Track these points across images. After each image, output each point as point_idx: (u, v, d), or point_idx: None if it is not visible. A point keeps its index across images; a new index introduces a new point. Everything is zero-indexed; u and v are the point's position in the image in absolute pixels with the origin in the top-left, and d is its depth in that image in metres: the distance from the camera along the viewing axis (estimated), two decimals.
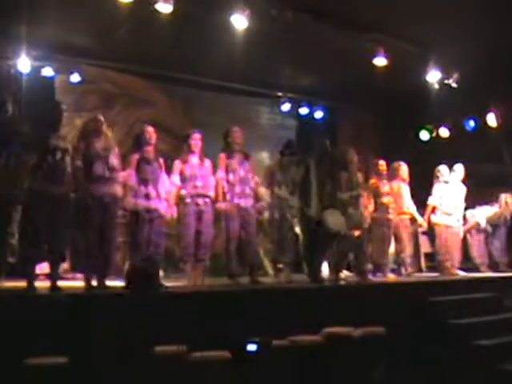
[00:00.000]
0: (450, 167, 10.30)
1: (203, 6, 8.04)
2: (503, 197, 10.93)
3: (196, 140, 7.65)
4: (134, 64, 10.47)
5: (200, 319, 5.64)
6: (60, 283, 6.26)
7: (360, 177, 8.74)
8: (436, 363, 6.46)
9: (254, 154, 11.03)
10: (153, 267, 6.42)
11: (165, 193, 7.21)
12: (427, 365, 6.39)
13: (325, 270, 9.20)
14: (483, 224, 10.91)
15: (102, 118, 6.85)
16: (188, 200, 7.43)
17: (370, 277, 8.81)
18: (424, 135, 12.55)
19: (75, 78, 10.29)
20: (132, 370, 4.83)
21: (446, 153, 11.27)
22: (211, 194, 7.56)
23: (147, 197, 7.01)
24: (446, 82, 10.39)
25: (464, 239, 10.64)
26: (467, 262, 10.70)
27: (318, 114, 12.96)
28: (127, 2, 7.63)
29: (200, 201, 7.46)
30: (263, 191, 8.04)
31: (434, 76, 10.20)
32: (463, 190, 10.25)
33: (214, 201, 7.60)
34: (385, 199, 9.48)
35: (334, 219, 7.95)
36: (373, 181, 9.52)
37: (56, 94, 10.40)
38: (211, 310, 5.86)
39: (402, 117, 11.99)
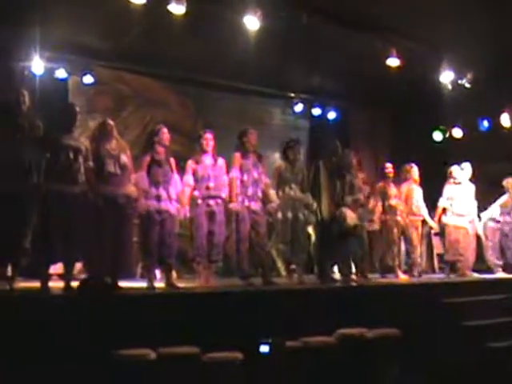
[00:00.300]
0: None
1: (216, 6, 8.06)
2: (505, 182, 10.79)
3: (208, 140, 7.61)
4: (146, 65, 10.49)
5: (212, 320, 5.64)
6: (73, 283, 6.27)
7: (361, 180, 8.91)
8: (450, 365, 6.42)
9: (266, 154, 11.04)
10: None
11: (176, 194, 7.18)
12: (441, 367, 6.36)
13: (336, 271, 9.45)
14: (498, 216, 10.78)
15: (111, 122, 6.92)
16: (200, 201, 7.44)
17: (379, 278, 8.85)
18: (437, 136, 12.49)
19: (88, 79, 10.31)
20: (145, 371, 4.83)
21: (460, 153, 11.22)
22: (223, 195, 7.54)
23: (158, 198, 6.97)
24: (459, 82, 10.34)
25: (478, 240, 10.58)
26: (482, 264, 10.65)
27: (331, 115, 12.93)
28: (140, 3, 7.64)
29: (212, 202, 7.44)
30: (272, 192, 8.02)
31: (447, 76, 10.16)
32: (472, 188, 10.20)
33: (227, 201, 7.59)
34: (393, 201, 9.62)
35: (349, 215, 8.11)
36: (380, 184, 9.73)
37: (69, 95, 10.44)
38: (224, 310, 5.85)
39: (415, 118, 11.95)
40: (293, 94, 12.66)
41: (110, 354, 4.75)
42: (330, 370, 5.49)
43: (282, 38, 8.96)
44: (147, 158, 7.07)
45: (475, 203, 10.25)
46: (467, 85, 10.38)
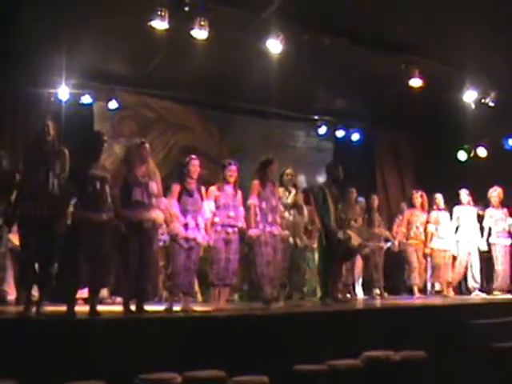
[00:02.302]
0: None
1: (238, 31, 8.12)
2: None
3: (232, 171, 7.70)
4: (170, 90, 10.58)
5: (237, 344, 5.63)
6: (99, 307, 6.32)
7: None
8: None
9: None
10: None
11: (204, 222, 7.34)
12: None
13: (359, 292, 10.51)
14: None
15: (147, 145, 6.88)
16: (219, 228, 7.52)
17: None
18: (462, 155, 12.43)
19: (113, 104, 10.44)
20: None
21: (485, 173, 11.19)
22: (240, 224, 7.64)
23: (186, 226, 7.11)
24: (483, 101, 10.30)
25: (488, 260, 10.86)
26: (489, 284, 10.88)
27: (355, 137, 12.92)
28: (163, 28, 7.73)
29: (230, 230, 7.54)
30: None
31: (470, 96, 10.14)
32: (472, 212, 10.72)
33: (245, 228, 7.68)
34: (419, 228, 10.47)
35: (354, 236, 8.39)
36: (408, 212, 10.59)
37: (94, 120, 10.57)
38: (248, 334, 5.84)
39: (439, 137, 11.91)
40: (316, 117, 12.68)
41: (135, 378, 4.74)
42: None
43: (305, 61, 9.01)
44: (178, 187, 7.21)
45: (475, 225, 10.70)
46: (491, 103, 10.31)
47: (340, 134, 12.87)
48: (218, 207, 7.57)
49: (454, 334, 6.83)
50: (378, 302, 9.41)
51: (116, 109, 10.56)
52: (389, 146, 13.07)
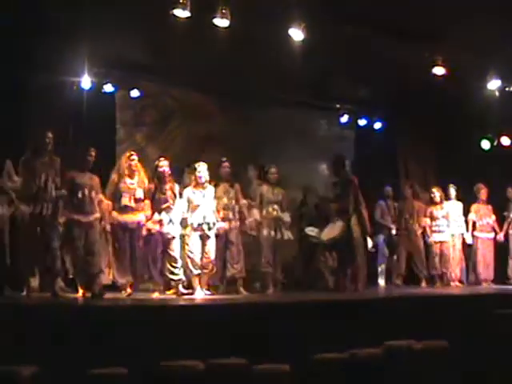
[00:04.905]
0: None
1: (260, 19, 8.09)
2: None
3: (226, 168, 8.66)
4: (191, 78, 10.55)
5: (259, 332, 5.64)
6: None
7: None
8: (501, 378, 6.30)
9: (313, 165, 11.07)
10: None
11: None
12: (492, 379, 6.24)
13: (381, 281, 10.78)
14: None
15: (135, 157, 8.05)
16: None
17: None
18: (485, 144, 12.32)
19: (135, 93, 10.45)
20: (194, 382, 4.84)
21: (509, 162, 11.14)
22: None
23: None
24: (507, 89, 10.19)
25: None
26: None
27: (377, 125, 12.85)
28: (185, 17, 7.72)
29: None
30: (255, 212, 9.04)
31: (494, 84, 10.03)
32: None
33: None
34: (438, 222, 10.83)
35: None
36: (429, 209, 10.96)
37: (116, 109, 10.61)
38: (269, 322, 5.85)
39: (463, 126, 11.80)
40: (338, 105, 12.62)
41: (157, 366, 4.77)
42: (377, 383, 5.43)
43: (327, 50, 8.96)
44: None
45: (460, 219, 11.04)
46: None
47: (362, 122, 12.80)
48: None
49: (478, 323, 6.80)
50: (399, 291, 9.40)
51: (138, 97, 10.57)
52: (411, 134, 12.95)
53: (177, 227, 7.99)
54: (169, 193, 8.01)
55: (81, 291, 7.62)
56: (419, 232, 10.86)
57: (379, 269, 10.92)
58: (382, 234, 11.04)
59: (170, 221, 7.93)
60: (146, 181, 8.07)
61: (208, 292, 8.17)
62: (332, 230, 8.85)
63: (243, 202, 8.83)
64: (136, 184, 7.91)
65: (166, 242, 7.94)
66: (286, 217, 9.13)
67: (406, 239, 10.83)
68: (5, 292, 7.41)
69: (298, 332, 5.80)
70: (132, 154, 8.08)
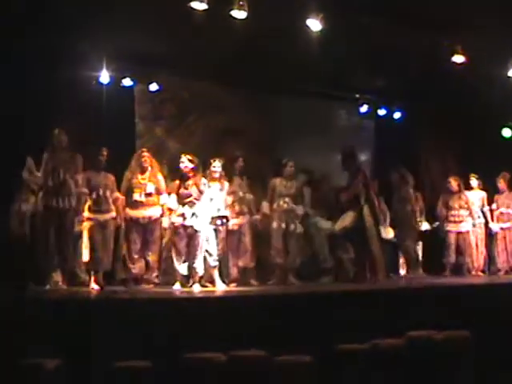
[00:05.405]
0: None
1: (278, 10, 8.07)
2: None
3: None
4: (209, 71, 10.54)
5: (281, 323, 5.65)
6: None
7: None
8: None
9: (332, 156, 11.03)
10: None
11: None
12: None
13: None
14: None
15: (146, 153, 8.43)
16: None
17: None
18: (506, 132, 12.23)
19: (153, 87, 10.48)
20: (215, 374, 4.86)
21: None
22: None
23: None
24: None
25: None
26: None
27: (397, 115, 12.78)
28: (202, 9, 7.72)
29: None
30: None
31: None
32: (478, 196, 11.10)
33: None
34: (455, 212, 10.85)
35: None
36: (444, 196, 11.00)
37: (135, 103, 10.64)
38: (292, 313, 5.86)
39: (482, 114, 11.72)
40: (358, 96, 12.56)
41: (180, 358, 4.79)
42: (399, 373, 5.43)
43: (345, 40, 8.93)
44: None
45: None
46: None
47: (382, 112, 12.73)
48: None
49: (500, 312, 6.76)
50: (422, 282, 9.37)
51: (157, 91, 10.59)
52: (431, 123, 12.88)
53: (201, 221, 8.07)
54: (193, 188, 8.09)
55: (93, 285, 7.89)
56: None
57: (400, 259, 10.87)
58: None
59: (193, 214, 8.00)
60: (160, 175, 8.41)
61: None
62: (343, 221, 8.87)
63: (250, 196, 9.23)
64: (147, 179, 8.23)
65: (189, 235, 8.01)
66: (299, 209, 9.24)
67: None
68: (29, 287, 7.47)
69: (319, 323, 5.80)
70: (143, 151, 8.47)
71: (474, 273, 10.70)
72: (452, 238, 10.78)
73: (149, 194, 8.19)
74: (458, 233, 10.77)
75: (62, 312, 5.41)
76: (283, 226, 9.05)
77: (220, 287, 8.10)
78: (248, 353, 4.98)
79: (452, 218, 10.82)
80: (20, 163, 7.89)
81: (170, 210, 8.20)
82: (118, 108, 9.95)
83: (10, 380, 4.21)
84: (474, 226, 10.84)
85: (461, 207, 10.78)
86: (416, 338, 5.69)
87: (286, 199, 9.12)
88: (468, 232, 10.82)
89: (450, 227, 10.82)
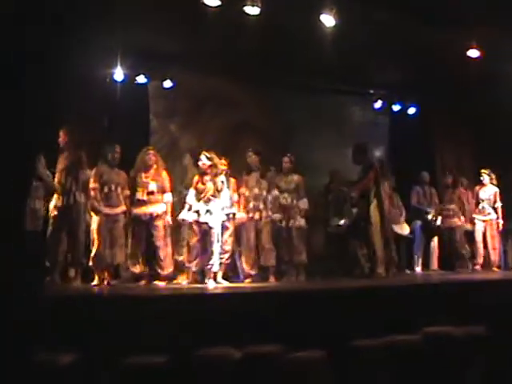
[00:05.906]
0: None
1: (291, 6, 8.05)
2: None
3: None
4: (223, 67, 10.53)
5: (296, 319, 5.63)
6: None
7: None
8: None
9: (346, 152, 11.01)
10: None
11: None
12: None
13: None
14: None
15: (151, 151, 8.49)
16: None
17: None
18: None
19: (167, 83, 10.49)
20: (229, 370, 4.85)
21: None
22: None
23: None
24: None
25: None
26: None
27: (411, 110, 12.72)
28: (215, 5, 7.72)
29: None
30: None
31: None
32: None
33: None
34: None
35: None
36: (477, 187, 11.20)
37: (149, 100, 10.65)
38: (307, 309, 5.84)
39: (499, 109, 11.64)
40: (372, 91, 12.52)
41: (194, 353, 4.79)
42: (415, 369, 5.40)
43: (359, 35, 8.89)
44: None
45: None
46: None
47: (396, 108, 12.70)
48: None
49: None
50: (438, 277, 9.35)
51: (171, 88, 10.60)
52: (446, 119, 12.81)
53: (217, 218, 8.08)
54: (209, 184, 8.14)
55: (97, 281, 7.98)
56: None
57: (415, 255, 10.84)
58: (419, 219, 10.97)
59: (208, 211, 8.03)
60: (165, 174, 8.47)
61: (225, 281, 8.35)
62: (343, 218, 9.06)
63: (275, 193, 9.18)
64: (150, 178, 8.29)
65: (203, 232, 8.04)
66: (303, 204, 9.27)
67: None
68: (42, 283, 7.52)
69: (335, 319, 5.78)
70: (149, 149, 8.56)
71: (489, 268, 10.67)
72: (480, 232, 10.92)
73: (151, 193, 8.26)
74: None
75: (74, 307, 5.43)
76: (284, 222, 9.17)
77: (223, 284, 8.14)
78: (263, 349, 4.97)
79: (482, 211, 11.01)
80: (33, 161, 7.91)
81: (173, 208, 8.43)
82: (133, 105, 9.98)
83: (24, 375, 4.22)
84: (484, 221, 10.87)
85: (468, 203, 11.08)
86: (433, 334, 5.66)
87: (285, 195, 9.19)
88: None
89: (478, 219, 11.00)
